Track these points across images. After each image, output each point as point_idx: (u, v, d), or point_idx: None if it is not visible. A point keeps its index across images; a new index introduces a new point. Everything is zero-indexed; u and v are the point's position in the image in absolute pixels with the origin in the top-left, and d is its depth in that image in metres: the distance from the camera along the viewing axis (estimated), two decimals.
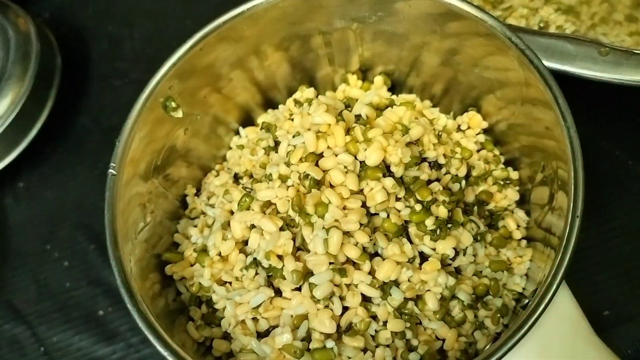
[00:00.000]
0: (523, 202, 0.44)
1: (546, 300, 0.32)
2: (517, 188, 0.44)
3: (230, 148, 0.50)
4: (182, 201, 0.48)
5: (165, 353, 0.34)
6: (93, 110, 0.65)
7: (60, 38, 0.66)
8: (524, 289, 0.40)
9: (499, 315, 0.38)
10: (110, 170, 0.39)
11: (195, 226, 0.44)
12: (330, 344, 0.35)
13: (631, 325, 0.47)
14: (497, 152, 0.45)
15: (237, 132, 0.50)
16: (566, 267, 0.32)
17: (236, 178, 0.47)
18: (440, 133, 0.42)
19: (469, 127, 0.45)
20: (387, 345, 0.37)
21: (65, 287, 0.56)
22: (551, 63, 0.42)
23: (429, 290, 0.37)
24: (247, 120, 0.50)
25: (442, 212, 0.37)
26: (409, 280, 0.37)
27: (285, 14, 0.43)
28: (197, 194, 0.48)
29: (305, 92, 0.47)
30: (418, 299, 0.38)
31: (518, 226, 0.42)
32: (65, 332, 0.55)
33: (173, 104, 0.43)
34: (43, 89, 0.61)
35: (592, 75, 0.42)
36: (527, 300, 0.37)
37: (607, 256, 0.50)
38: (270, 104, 0.51)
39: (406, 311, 0.37)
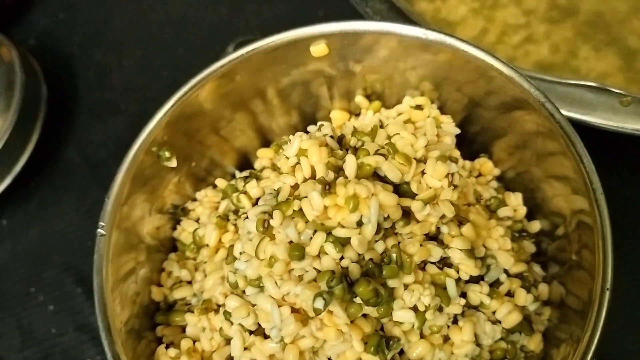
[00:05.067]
0: (539, 254, 0.41)
1: None
2: (533, 240, 0.41)
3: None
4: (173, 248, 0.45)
5: None
6: (80, 143, 0.62)
7: (46, 66, 0.63)
8: (545, 352, 0.38)
9: None
10: (99, 230, 0.36)
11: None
12: None
13: None
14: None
15: (233, 176, 0.47)
16: (597, 345, 0.30)
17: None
18: None
19: (480, 174, 0.43)
20: None
21: (51, 333, 0.54)
22: (570, 112, 0.40)
23: None
24: (245, 164, 0.48)
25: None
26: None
27: (285, 57, 0.41)
28: None
29: None
30: None
31: (535, 281, 0.39)
32: None
33: (167, 154, 0.40)
34: (28, 121, 0.58)
35: (613, 126, 0.40)
36: None
37: (620, 304, 0.47)
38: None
39: None
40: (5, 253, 0.58)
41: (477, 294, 0.36)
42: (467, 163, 0.42)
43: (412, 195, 0.34)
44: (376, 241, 0.33)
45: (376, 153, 0.34)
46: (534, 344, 0.37)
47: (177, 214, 0.44)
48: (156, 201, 0.42)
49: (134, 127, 0.40)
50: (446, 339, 0.35)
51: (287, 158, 0.35)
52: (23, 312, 0.55)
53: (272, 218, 0.33)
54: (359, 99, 0.44)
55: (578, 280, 0.36)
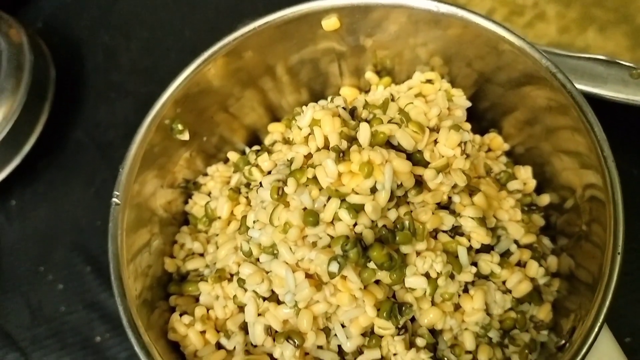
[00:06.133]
0: (548, 227, 0.42)
1: (587, 345, 0.30)
2: (542, 213, 0.42)
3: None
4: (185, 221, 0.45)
5: None
6: (88, 124, 0.63)
7: (54, 49, 0.63)
8: (554, 322, 0.38)
9: (527, 351, 0.37)
10: (113, 199, 0.36)
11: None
12: None
13: None
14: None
15: (243, 153, 0.48)
16: (608, 308, 0.30)
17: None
18: None
19: (489, 150, 0.43)
20: None
21: (60, 312, 0.54)
22: (581, 85, 0.40)
23: (466, 329, 0.35)
24: (255, 141, 0.48)
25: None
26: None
27: (296, 32, 0.41)
28: None
29: None
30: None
31: (544, 254, 0.40)
32: (61, 359, 0.52)
33: (179, 127, 0.40)
34: (37, 102, 0.59)
35: (623, 98, 0.40)
36: (563, 341, 0.35)
37: (627, 280, 0.48)
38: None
39: (445, 359, 0.35)
40: (15, 233, 0.58)
41: (488, 263, 0.36)
42: (477, 138, 0.42)
43: (425, 164, 0.34)
44: (389, 209, 0.33)
45: (389, 122, 0.34)
46: (543, 313, 0.38)
47: (189, 188, 0.45)
48: (167, 175, 0.42)
49: (142, 109, 0.40)
50: (457, 307, 0.36)
51: (300, 129, 0.36)
52: (32, 291, 0.55)
53: (286, 186, 0.33)
54: (369, 75, 0.45)
55: (587, 252, 0.36)
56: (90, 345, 0.52)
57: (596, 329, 0.30)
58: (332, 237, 0.32)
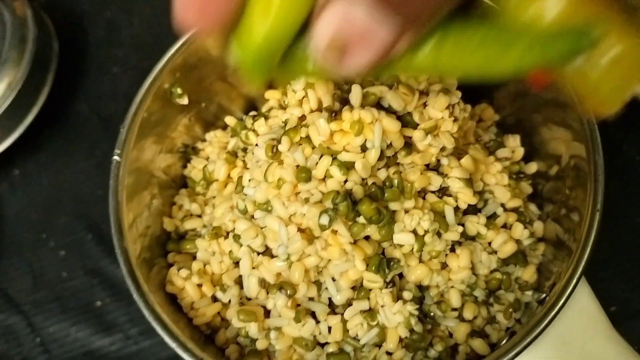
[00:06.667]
0: (535, 196, 0.43)
1: (565, 296, 0.31)
2: (530, 181, 0.43)
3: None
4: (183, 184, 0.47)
5: (173, 345, 0.33)
6: (90, 97, 0.63)
7: (57, 22, 0.64)
8: (538, 283, 0.39)
9: (511, 309, 0.38)
10: (114, 157, 0.37)
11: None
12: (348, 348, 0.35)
13: (638, 322, 0.47)
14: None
15: (241, 120, 0.49)
16: (586, 261, 0.32)
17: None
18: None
19: (480, 120, 0.44)
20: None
21: (61, 277, 0.55)
22: None
23: (453, 287, 0.37)
24: (252, 109, 0.49)
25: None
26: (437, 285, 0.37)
27: None
28: None
29: None
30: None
31: (530, 220, 0.41)
32: (62, 322, 0.53)
33: (179, 90, 0.42)
34: (39, 74, 0.59)
35: None
36: (544, 295, 0.36)
37: (614, 252, 0.49)
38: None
39: (431, 314, 0.37)
40: (18, 201, 0.59)
41: (475, 224, 0.37)
42: (468, 107, 0.43)
43: (415, 126, 0.35)
44: (379, 169, 0.35)
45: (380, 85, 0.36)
46: (528, 274, 0.39)
47: (188, 153, 0.46)
48: (166, 141, 0.44)
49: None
50: (444, 266, 0.37)
51: (295, 92, 0.37)
52: (35, 257, 0.56)
53: (280, 144, 0.34)
54: None
55: (571, 217, 0.37)
56: (91, 310, 0.53)
57: (574, 281, 0.31)
58: (323, 194, 0.34)
